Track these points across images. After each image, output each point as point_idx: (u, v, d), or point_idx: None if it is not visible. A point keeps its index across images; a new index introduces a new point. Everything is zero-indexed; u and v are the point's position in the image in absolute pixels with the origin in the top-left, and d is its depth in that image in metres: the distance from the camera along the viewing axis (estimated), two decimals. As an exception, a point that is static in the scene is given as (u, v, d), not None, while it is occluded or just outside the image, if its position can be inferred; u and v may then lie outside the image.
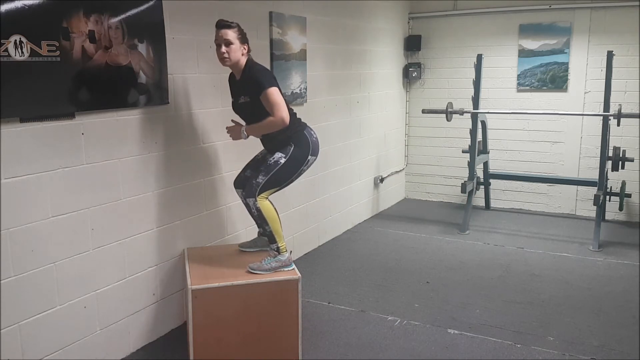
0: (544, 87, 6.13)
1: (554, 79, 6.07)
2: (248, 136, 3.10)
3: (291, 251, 3.23)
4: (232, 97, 3.21)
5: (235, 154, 3.92)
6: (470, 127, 5.71)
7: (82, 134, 2.81)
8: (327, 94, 5.09)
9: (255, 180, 3.05)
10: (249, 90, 3.01)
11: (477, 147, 5.76)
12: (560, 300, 3.98)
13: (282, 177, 3.09)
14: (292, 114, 3.09)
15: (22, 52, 2.44)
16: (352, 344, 3.37)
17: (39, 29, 2.51)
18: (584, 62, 5.94)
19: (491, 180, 6.31)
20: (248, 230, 4.13)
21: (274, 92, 2.92)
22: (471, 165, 5.71)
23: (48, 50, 2.54)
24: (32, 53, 2.48)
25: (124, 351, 3.19)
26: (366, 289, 4.18)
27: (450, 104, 5.70)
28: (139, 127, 3.14)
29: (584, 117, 5.93)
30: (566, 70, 6.00)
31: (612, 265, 4.67)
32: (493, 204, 6.54)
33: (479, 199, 6.49)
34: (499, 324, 3.61)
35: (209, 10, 3.58)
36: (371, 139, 6.00)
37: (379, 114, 6.12)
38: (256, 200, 3.05)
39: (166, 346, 3.34)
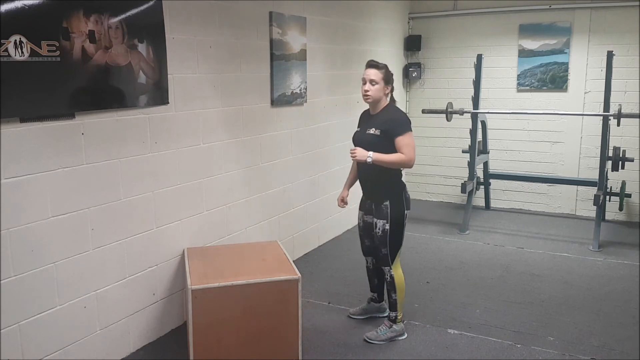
0: (544, 87, 6.13)
1: (554, 79, 6.07)
2: (373, 161, 3.17)
3: (404, 321, 3.51)
4: (358, 127, 3.40)
5: (235, 154, 3.93)
6: (470, 127, 5.71)
7: (82, 134, 2.81)
8: (327, 94, 5.09)
9: (382, 253, 3.34)
10: (384, 126, 3.20)
11: (477, 147, 5.76)
12: (560, 300, 3.98)
13: (398, 239, 3.34)
14: (399, 172, 3.35)
15: (22, 52, 2.44)
16: (352, 344, 3.37)
17: (39, 29, 2.51)
18: (584, 62, 5.94)
19: (491, 180, 6.31)
20: (248, 230, 4.14)
21: (411, 136, 3.19)
22: (471, 165, 5.71)
23: (48, 50, 2.54)
24: (32, 53, 2.48)
25: (124, 351, 3.18)
26: (366, 289, 4.17)
27: (450, 104, 5.69)
28: (139, 127, 3.14)
29: (584, 117, 5.93)
30: (566, 70, 6.00)
31: (612, 265, 4.67)
32: (493, 204, 6.54)
33: (479, 199, 6.49)
34: (499, 324, 3.61)
35: (209, 10, 3.58)
36: (371, 139, 5.99)
37: (379, 114, 6.11)
38: (391, 269, 3.35)
39: (166, 346, 3.33)
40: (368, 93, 3.23)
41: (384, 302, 3.67)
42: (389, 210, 3.26)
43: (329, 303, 3.94)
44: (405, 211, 3.34)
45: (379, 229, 3.29)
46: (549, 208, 6.35)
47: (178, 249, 3.49)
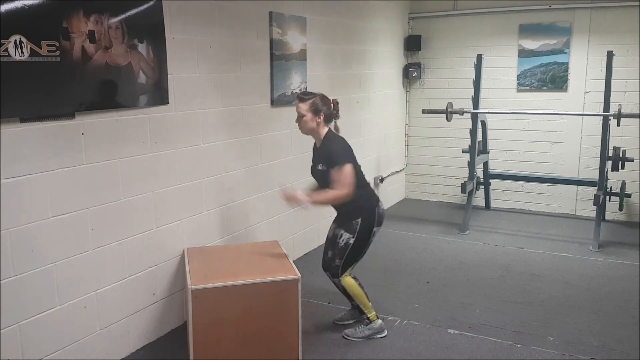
0: (544, 87, 6.13)
1: (554, 79, 6.07)
2: (310, 204, 3.15)
3: (382, 319, 3.52)
4: (312, 161, 3.40)
5: (235, 154, 3.93)
6: (470, 127, 5.71)
7: (82, 134, 2.81)
8: (327, 94, 5.03)
9: (334, 263, 3.31)
10: (325, 160, 3.21)
11: (477, 147, 5.76)
12: (560, 300, 3.98)
13: (356, 255, 3.33)
14: (365, 186, 3.32)
15: (22, 52, 2.44)
16: (352, 344, 3.37)
17: (39, 29, 2.51)
18: (584, 62, 5.94)
19: (491, 180, 6.31)
20: (248, 230, 4.14)
21: (344, 170, 3.12)
22: (471, 165, 5.71)
23: (48, 50, 2.54)
24: (32, 53, 2.48)
25: (124, 351, 3.18)
26: (366, 289, 4.17)
27: (450, 104, 5.69)
28: (139, 127, 3.14)
29: (584, 117, 5.93)
30: (566, 70, 6.00)
31: (612, 265, 4.67)
32: (493, 204, 6.54)
33: (479, 199, 6.49)
34: (499, 324, 3.61)
35: (209, 10, 3.58)
36: (371, 139, 6.00)
37: (379, 114, 6.12)
38: (340, 280, 3.34)
39: (166, 346, 3.33)
40: (299, 127, 3.27)
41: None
42: (358, 227, 3.25)
43: (329, 303, 3.94)
44: (375, 228, 3.31)
45: (341, 240, 3.27)
46: (549, 208, 6.34)
47: (178, 249, 3.49)
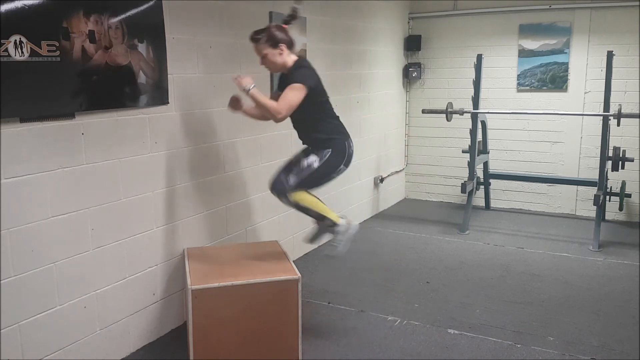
0: (544, 87, 6.13)
1: (554, 79, 6.07)
2: (251, 93, 2.91)
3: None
4: (279, 89, 3.18)
5: (235, 153, 3.93)
6: (470, 127, 5.71)
7: (82, 134, 2.81)
8: (328, 93, 5.07)
9: (287, 182, 3.08)
10: (286, 85, 3.01)
11: (477, 147, 5.76)
12: (560, 300, 3.98)
13: (314, 181, 3.13)
14: (335, 120, 3.18)
15: (22, 52, 2.44)
16: (352, 344, 3.37)
17: (39, 29, 2.51)
18: (584, 62, 5.93)
19: (491, 180, 6.31)
20: (248, 230, 4.14)
21: (294, 89, 2.92)
22: (471, 165, 5.70)
23: (48, 50, 2.54)
24: (32, 53, 2.48)
25: (124, 351, 3.18)
26: (366, 289, 4.18)
27: (450, 104, 5.70)
28: (139, 127, 3.14)
29: (584, 117, 5.93)
30: (566, 70, 6.00)
31: (612, 265, 4.67)
32: (493, 204, 6.54)
33: (479, 199, 6.49)
34: (499, 324, 3.61)
35: (209, 10, 3.58)
36: (371, 139, 6.00)
37: (379, 114, 6.12)
38: (288, 198, 3.09)
39: (166, 346, 3.33)
40: (266, 67, 3.08)
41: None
42: (327, 157, 3.08)
43: (329, 303, 3.94)
44: (342, 165, 3.15)
45: (305, 162, 3.08)
46: (549, 208, 6.34)
47: (178, 249, 3.49)
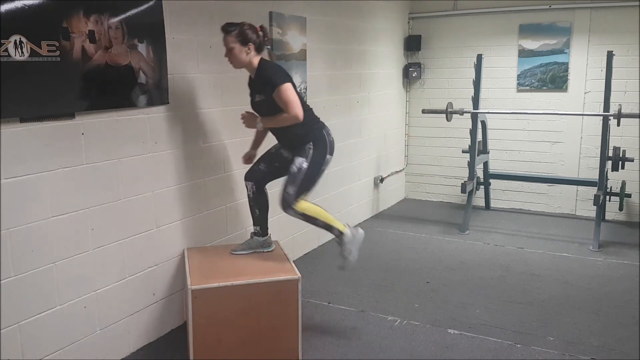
0: (544, 87, 6.13)
1: (554, 79, 6.07)
2: (263, 127, 3.13)
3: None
4: (250, 95, 3.25)
5: (234, 153, 3.92)
6: (470, 127, 5.71)
7: (82, 134, 2.81)
8: (327, 94, 5.09)
9: (286, 193, 3.11)
10: (263, 88, 3.08)
11: (477, 147, 5.76)
12: (560, 300, 3.98)
13: (310, 182, 3.15)
14: (309, 110, 3.17)
15: (22, 52, 2.44)
16: (352, 344, 3.37)
17: (39, 29, 2.51)
18: (584, 62, 5.93)
19: (491, 180, 6.31)
20: (248, 231, 4.13)
21: (286, 89, 2.98)
22: (471, 165, 5.70)
23: (48, 50, 2.54)
24: (32, 53, 2.48)
25: (124, 351, 3.18)
26: (366, 289, 4.18)
27: (450, 104, 5.70)
28: (139, 127, 3.14)
29: (584, 117, 5.93)
30: (566, 70, 6.00)
31: (612, 265, 4.67)
32: (493, 204, 6.54)
33: (479, 199, 6.49)
34: (499, 324, 3.61)
35: (209, 10, 3.58)
36: (371, 139, 6.00)
37: (379, 114, 6.12)
38: (295, 209, 3.12)
39: (166, 346, 3.34)
40: (230, 61, 3.10)
41: (268, 236, 3.44)
42: (311, 151, 3.11)
43: (329, 303, 3.94)
44: (327, 155, 3.18)
45: (295, 166, 3.10)
46: (549, 208, 6.34)
47: (178, 249, 3.49)
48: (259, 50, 3.11)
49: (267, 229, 3.44)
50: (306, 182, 3.13)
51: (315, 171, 3.16)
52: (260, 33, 3.10)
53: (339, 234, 3.24)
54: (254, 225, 3.43)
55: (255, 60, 3.10)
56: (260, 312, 3.01)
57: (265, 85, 3.04)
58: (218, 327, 2.94)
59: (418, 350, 3.30)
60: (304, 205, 3.15)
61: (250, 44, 3.05)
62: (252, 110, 3.25)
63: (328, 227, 3.23)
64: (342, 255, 3.30)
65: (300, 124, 3.06)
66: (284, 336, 3.07)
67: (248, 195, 3.39)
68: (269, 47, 3.21)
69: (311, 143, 3.14)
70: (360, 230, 3.34)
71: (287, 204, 3.12)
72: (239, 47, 3.04)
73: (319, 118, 3.28)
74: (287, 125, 3.06)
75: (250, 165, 3.45)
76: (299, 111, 2.99)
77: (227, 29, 3.05)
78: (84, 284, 2.90)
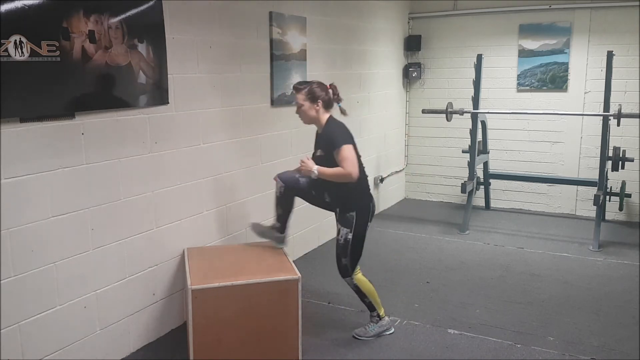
0: (544, 87, 6.13)
1: (554, 79, 6.07)
2: (318, 176, 3.19)
3: (389, 315, 3.55)
4: (314, 147, 3.40)
5: (234, 154, 3.93)
6: (470, 127, 5.71)
7: (82, 134, 2.81)
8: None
9: (342, 265, 3.32)
10: (324, 145, 3.23)
11: (477, 147, 5.76)
12: (560, 300, 3.98)
13: (358, 251, 3.33)
14: (364, 178, 3.30)
15: (22, 52, 2.44)
16: (352, 344, 3.37)
17: (39, 29, 2.51)
18: (584, 62, 5.93)
19: (491, 180, 6.31)
20: (248, 230, 4.13)
21: (346, 149, 3.12)
22: (471, 165, 5.71)
23: (48, 50, 2.54)
24: (32, 53, 2.48)
25: (124, 351, 3.18)
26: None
27: (450, 104, 5.70)
28: (139, 127, 3.14)
29: (584, 117, 5.93)
30: (566, 70, 6.00)
31: (612, 265, 4.67)
32: (493, 204, 6.54)
33: (479, 199, 6.49)
34: (499, 324, 3.61)
35: (209, 10, 3.58)
36: (371, 139, 6.00)
37: (379, 114, 6.12)
38: (352, 279, 3.34)
39: (166, 346, 3.33)
40: (300, 117, 3.28)
41: (284, 234, 3.50)
42: (354, 221, 3.25)
43: (329, 303, 3.94)
44: (368, 223, 3.34)
45: (341, 237, 3.29)
46: (549, 208, 6.34)
47: (178, 249, 3.49)
48: (327, 107, 3.26)
49: (286, 229, 3.52)
50: (354, 253, 3.32)
51: (360, 240, 3.31)
52: (330, 91, 3.27)
53: (377, 317, 3.45)
54: (276, 220, 3.52)
55: (324, 117, 3.25)
56: (260, 312, 3.00)
57: (328, 143, 3.18)
58: (218, 327, 2.94)
59: (418, 350, 3.30)
60: (361, 278, 3.38)
61: (319, 101, 3.20)
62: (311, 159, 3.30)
63: (371, 307, 3.44)
64: (365, 328, 3.46)
65: (353, 186, 3.18)
66: (284, 336, 3.07)
67: (275, 192, 3.46)
68: (339, 104, 3.35)
69: (355, 212, 3.25)
70: (392, 328, 3.51)
71: (346, 274, 3.35)
72: (309, 104, 3.21)
73: (369, 190, 3.37)
74: (341, 181, 3.16)
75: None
76: (353, 169, 3.09)
77: (297, 87, 3.24)
78: (84, 284, 2.90)
